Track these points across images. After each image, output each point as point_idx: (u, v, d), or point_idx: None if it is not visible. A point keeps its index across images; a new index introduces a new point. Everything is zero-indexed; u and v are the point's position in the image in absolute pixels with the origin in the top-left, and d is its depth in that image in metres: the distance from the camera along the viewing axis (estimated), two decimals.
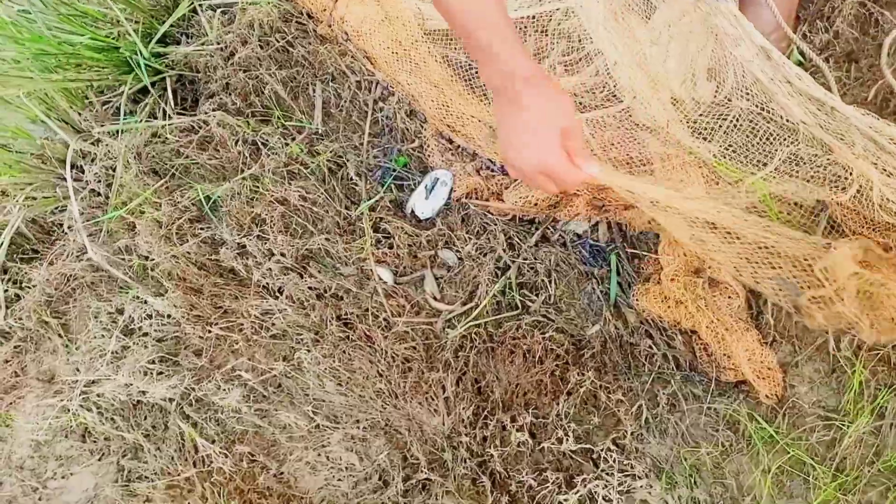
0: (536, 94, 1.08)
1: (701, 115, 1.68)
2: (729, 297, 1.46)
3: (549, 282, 1.59)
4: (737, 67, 1.66)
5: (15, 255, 2.01)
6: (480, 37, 1.09)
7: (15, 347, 1.91)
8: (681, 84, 1.69)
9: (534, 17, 1.79)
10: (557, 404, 1.49)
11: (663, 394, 1.44)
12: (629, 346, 1.51)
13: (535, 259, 1.61)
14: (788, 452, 1.37)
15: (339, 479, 1.60)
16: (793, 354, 1.44)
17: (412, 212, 1.73)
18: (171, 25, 2.06)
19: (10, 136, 2.03)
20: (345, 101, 1.87)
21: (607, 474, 1.42)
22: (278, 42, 1.95)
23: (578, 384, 1.49)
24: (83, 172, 1.98)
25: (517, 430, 1.48)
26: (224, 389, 1.68)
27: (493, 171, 1.72)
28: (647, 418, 1.45)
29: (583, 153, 1.09)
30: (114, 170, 1.94)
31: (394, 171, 1.77)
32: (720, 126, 1.62)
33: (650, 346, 1.49)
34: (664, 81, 1.66)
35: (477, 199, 1.71)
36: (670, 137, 1.58)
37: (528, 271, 1.62)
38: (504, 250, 1.64)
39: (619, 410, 1.47)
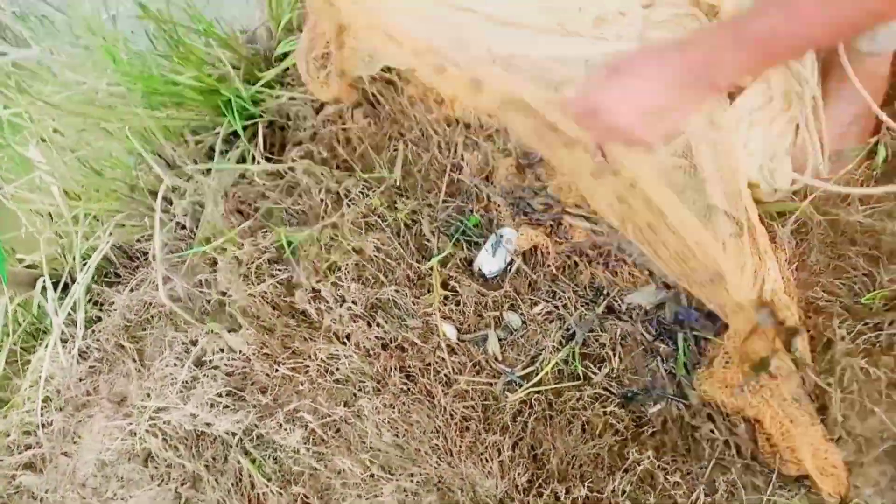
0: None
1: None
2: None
3: (614, 355, 1.60)
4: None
5: (99, 279, 2.13)
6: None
7: (90, 367, 2.00)
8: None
9: None
10: (613, 480, 1.48)
11: (722, 480, 1.43)
12: (690, 429, 1.50)
13: (602, 331, 1.63)
14: None
15: None
16: (858, 454, 1.41)
17: (480, 270, 1.77)
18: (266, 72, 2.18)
19: (109, 165, 2.16)
20: (425, 161, 1.94)
21: None
22: (367, 99, 2.04)
23: (636, 462, 1.48)
24: (171, 205, 2.09)
25: (571, 503, 1.48)
26: (285, 429, 1.72)
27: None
28: None
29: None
30: (201, 206, 2.04)
31: (464, 228, 1.82)
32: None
33: (712, 431, 1.48)
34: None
35: (538, 253, 1.75)
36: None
37: (592, 342, 1.64)
38: (574, 320, 1.66)
39: (675, 493, 1.45)
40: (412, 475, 1.63)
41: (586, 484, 1.50)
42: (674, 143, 1.81)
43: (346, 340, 1.76)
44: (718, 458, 1.46)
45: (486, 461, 1.59)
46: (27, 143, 2.28)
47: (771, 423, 1.43)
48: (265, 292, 1.84)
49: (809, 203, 1.61)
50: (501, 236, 1.78)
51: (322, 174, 1.95)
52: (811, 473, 1.39)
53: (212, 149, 2.12)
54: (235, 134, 2.14)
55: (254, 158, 2.06)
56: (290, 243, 1.90)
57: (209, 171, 2.10)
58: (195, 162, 2.10)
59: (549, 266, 1.76)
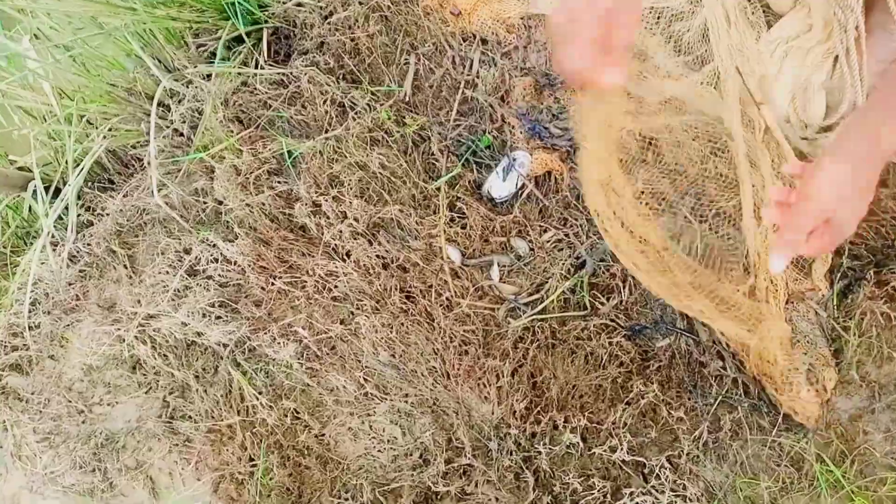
0: None
1: (806, 137, 1.61)
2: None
3: (624, 286, 1.54)
4: (855, 92, 1.58)
5: (92, 183, 2.05)
6: None
7: (80, 271, 1.94)
8: (789, 102, 1.62)
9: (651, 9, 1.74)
10: (615, 412, 1.44)
11: (728, 419, 1.38)
12: (698, 365, 1.45)
13: (613, 260, 1.56)
14: (853, 500, 1.30)
15: (380, 451, 1.59)
16: (871, 399, 1.36)
17: (489, 194, 1.69)
18: None
19: (106, 66, 2.06)
20: (437, 76, 1.85)
21: (657, 491, 1.37)
22: (380, 8, 1.93)
23: (640, 395, 1.44)
24: (169, 111, 2.00)
25: (569, 432, 1.44)
26: (279, 343, 1.67)
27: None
28: (706, 441, 1.40)
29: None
30: (200, 112, 1.95)
31: (475, 149, 1.73)
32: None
33: (721, 368, 1.43)
34: (774, 98, 1.59)
35: (552, 179, 1.68)
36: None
37: (602, 272, 1.57)
38: (585, 249, 1.59)
39: (678, 428, 1.41)
40: (407, 396, 1.59)
41: (586, 414, 1.45)
42: (703, 70, 1.72)
43: (345, 258, 1.69)
44: (725, 396, 1.41)
45: (484, 386, 1.54)
46: (20, 37, 2.17)
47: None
48: (263, 204, 1.77)
49: None
50: (514, 159, 1.70)
51: (328, 84, 1.85)
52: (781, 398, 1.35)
53: (213, 54, 2.02)
54: (239, 40, 2.03)
55: (257, 64, 1.96)
56: (290, 154, 1.81)
57: (210, 76, 2.00)
58: (195, 67, 2.00)
59: (562, 193, 1.68)
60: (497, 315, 1.59)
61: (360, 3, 1.95)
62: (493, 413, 1.52)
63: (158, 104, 1.98)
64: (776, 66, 1.63)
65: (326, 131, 1.81)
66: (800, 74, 1.61)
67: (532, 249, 1.66)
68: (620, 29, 0.89)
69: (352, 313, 1.66)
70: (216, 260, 1.76)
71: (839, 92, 1.59)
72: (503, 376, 1.52)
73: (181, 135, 2.00)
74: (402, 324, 1.61)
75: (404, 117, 1.78)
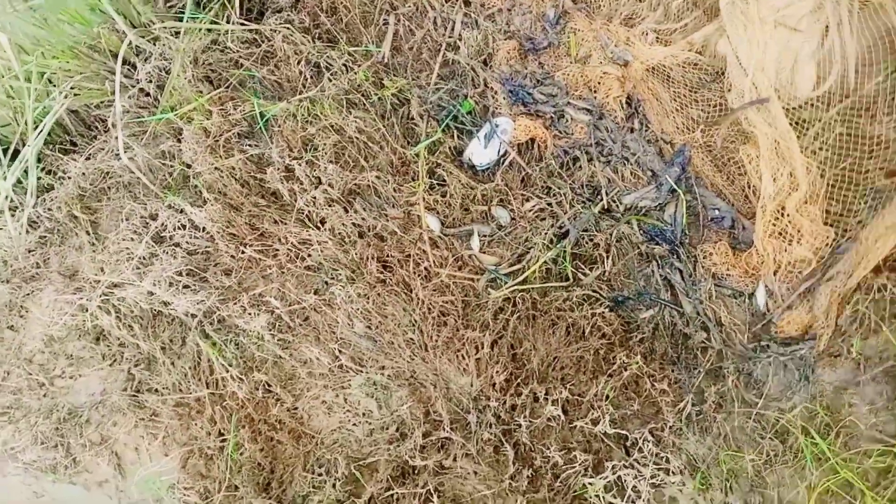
0: None
1: (794, 107, 1.57)
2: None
3: (607, 257, 1.50)
4: (845, 64, 1.54)
5: (53, 146, 1.95)
6: None
7: (41, 238, 1.85)
8: (777, 73, 1.58)
9: None
10: (596, 384, 1.40)
11: (713, 391, 1.36)
12: (683, 337, 1.42)
13: (596, 230, 1.52)
14: (838, 472, 1.28)
15: (355, 424, 1.54)
16: (856, 372, 1.35)
17: (470, 161, 1.64)
18: None
19: (68, 19, 1.95)
20: (417, 38, 1.78)
21: (640, 464, 1.34)
22: None
23: (622, 367, 1.40)
24: (135, 70, 1.90)
25: (550, 404, 1.40)
26: (249, 314, 1.61)
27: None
28: (690, 414, 1.37)
29: None
30: (167, 71, 1.85)
31: (456, 114, 1.67)
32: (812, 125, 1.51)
33: (705, 340, 1.40)
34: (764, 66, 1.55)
35: (535, 146, 1.62)
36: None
37: (585, 243, 1.53)
38: (568, 218, 1.55)
39: (661, 401, 1.38)
40: (383, 368, 1.54)
41: (567, 386, 1.42)
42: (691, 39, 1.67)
43: (319, 225, 1.63)
44: (711, 368, 1.38)
45: (463, 358, 1.49)
46: None
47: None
48: (233, 168, 1.69)
49: (836, 113, 1.49)
50: (496, 126, 1.64)
51: (302, 43, 1.77)
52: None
53: (183, 11, 1.92)
54: None
55: (229, 21, 1.87)
56: (262, 116, 1.73)
57: (179, 33, 1.90)
58: (163, 22, 1.90)
59: (546, 161, 1.63)
60: (477, 286, 1.54)
61: None
62: (472, 385, 1.48)
63: (124, 62, 1.89)
64: (766, 35, 1.59)
65: (300, 93, 1.73)
66: (789, 45, 1.57)
67: (514, 219, 1.61)
68: None
69: (326, 283, 1.60)
70: (184, 226, 1.69)
71: (829, 63, 1.56)
72: (483, 348, 1.48)
73: (147, 95, 1.90)
74: (379, 294, 1.56)
75: (382, 80, 1.71)
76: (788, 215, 1.38)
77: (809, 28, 1.56)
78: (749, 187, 1.51)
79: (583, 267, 1.51)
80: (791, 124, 1.47)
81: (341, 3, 1.82)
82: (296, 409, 1.58)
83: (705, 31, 1.62)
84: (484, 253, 1.59)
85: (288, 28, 1.79)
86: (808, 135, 1.48)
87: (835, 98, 1.52)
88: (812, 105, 1.53)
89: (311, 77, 1.76)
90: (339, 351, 1.56)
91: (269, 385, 1.59)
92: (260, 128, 1.72)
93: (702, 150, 1.57)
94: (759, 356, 1.38)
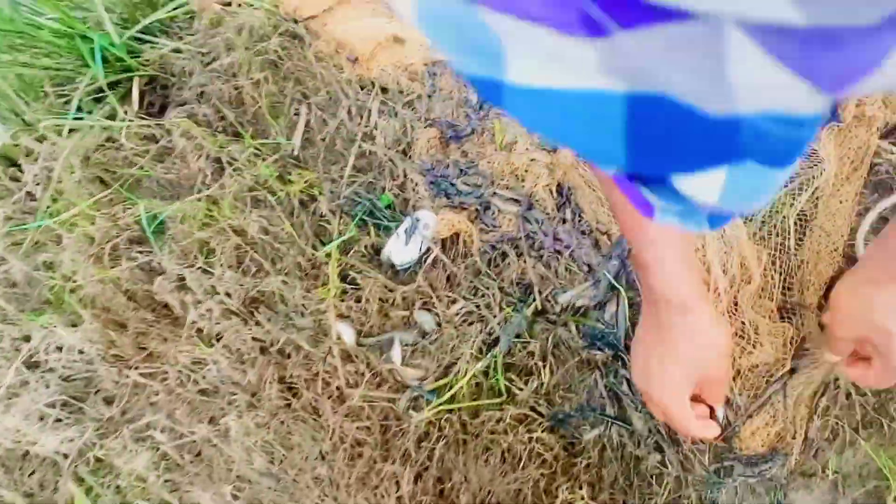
0: (688, 330, 0.93)
1: None
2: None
3: (544, 366, 1.30)
4: None
5: None
6: (640, 242, 0.92)
7: None
8: None
9: None
10: None
11: None
12: (634, 460, 1.21)
13: (530, 336, 1.33)
14: None
15: None
16: (834, 494, 1.14)
17: (389, 260, 1.45)
18: (154, 22, 1.83)
19: None
20: (331, 128, 1.62)
21: None
22: (268, 53, 1.71)
23: (566, 501, 1.18)
24: (22, 172, 1.71)
25: None
26: (131, 451, 1.36)
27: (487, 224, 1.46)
28: None
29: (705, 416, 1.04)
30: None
31: (373, 209, 1.50)
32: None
33: (659, 464, 1.19)
34: None
35: (460, 242, 1.44)
36: None
37: (518, 351, 1.33)
38: (498, 322, 1.36)
39: None
40: None
41: None
42: None
43: (214, 342, 1.41)
44: (668, 499, 1.17)
45: (382, 497, 1.26)
46: None
47: None
48: (119, 279, 1.48)
49: (784, 194, 1.35)
50: (417, 220, 1.47)
51: (204, 137, 1.60)
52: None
53: (73, 105, 1.75)
54: (111, 88, 1.77)
55: (125, 115, 1.70)
56: (155, 218, 1.54)
57: (73, 130, 1.72)
58: (47, 119, 1.72)
59: (472, 257, 1.45)
60: (397, 407, 1.33)
61: (246, 49, 1.72)
62: None
63: (12, 164, 1.70)
64: None
65: (199, 191, 1.54)
66: None
67: (439, 324, 1.41)
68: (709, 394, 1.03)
69: (222, 410, 1.37)
70: (59, 349, 1.45)
71: None
72: (404, 484, 1.25)
73: (34, 199, 1.70)
74: (283, 422, 1.33)
75: (290, 174, 1.54)
76: (744, 312, 1.21)
77: None
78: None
79: (517, 380, 1.31)
80: None
81: (248, 93, 1.66)
82: None
83: None
84: (407, 366, 1.38)
85: (188, 121, 1.62)
86: (755, 219, 1.33)
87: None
88: None
89: (213, 174, 1.58)
90: (235, 493, 1.31)
91: None
92: (148, 233, 1.52)
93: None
94: (723, 480, 1.17)
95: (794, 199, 1.31)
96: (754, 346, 1.17)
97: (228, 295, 1.42)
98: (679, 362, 0.95)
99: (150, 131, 1.68)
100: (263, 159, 1.56)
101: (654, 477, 1.19)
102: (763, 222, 1.30)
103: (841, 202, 1.31)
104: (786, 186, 1.35)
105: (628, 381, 1.27)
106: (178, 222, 1.51)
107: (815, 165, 1.32)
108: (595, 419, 1.25)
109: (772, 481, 1.15)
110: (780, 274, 1.26)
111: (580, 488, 1.18)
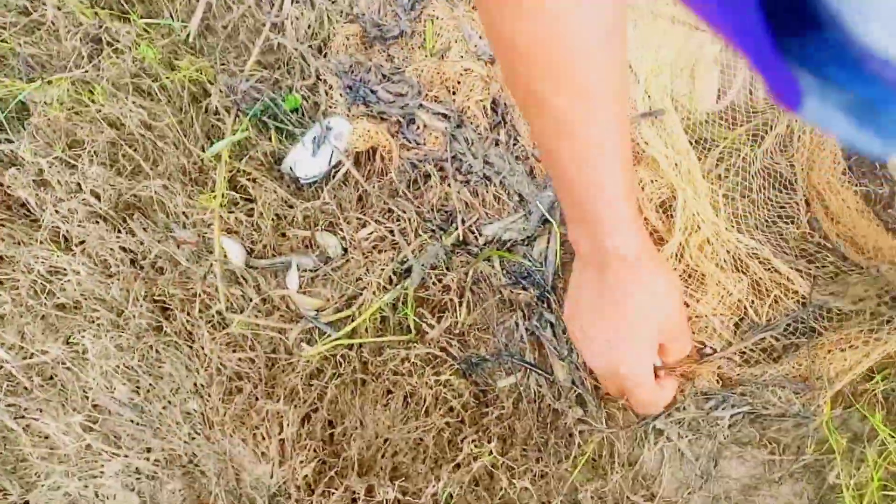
0: (639, 284, 0.79)
1: (700, 122, 1.28)
2: None
3: (460, 303, 1.14)
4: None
5: None
6: (576, 178, 0.75)
7: None
8: (671, 79, 1.29)
9: None
10: (437, 479, 1.03)
11: (588, 492, 1.01)
12: (553, 414, 1.07)
13: (448, 269, 1.16)
14: None
15: None
16: (769, 466, 1.04)
17: (292, 172, 1.25)
18: None
19: None
20: (235, 15, 1.39)
21: None
22: None
23: (472, 455, 1.04)
24: None
25: None
26: None
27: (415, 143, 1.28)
28: None
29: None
30: None
31: (276, 112, 1.29)
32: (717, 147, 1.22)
33: (581, 419, 1.05)
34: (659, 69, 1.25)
35: (377, 157, 1.26)
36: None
37: (433, 284, 1.17)
38: (413, 251, 1.19)
39: (520, 503, 1.02)
40: (150, 450, 1.11)
41: (397, 483, 1.03)
42: None
43: (75, 248, 1.19)
44: (590, 459, 1.04)
45: (262, 438, 1.09)
46: None
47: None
48: None
49: (745, 132, 1.21)
50: (329, 129, 1.27)
51: (82, 12, 1.34)
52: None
53: None
54: None
55: None
56: (15, 99, 1.29)
57: None
58: None
59: (389, 176, 1.27)
60: (287, 339, 1.15)
61: None
62: (271, 477, 1.07)
63: None
64: (657, 38, 1.30)
65: (71, 72, 1.30)
66: (686, 48, 1.29)
67: (345, 249, 1.23)
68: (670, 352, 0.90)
69: (81, 329, 1.16)
70: None
71: (733, 70, 1.28)
72: (289, 425, 1.08)
73: None
74: (151, 347, 1.13)
75: (180, 61, 1.31)
76: (690, 256, 1.07)
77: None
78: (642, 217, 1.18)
79: (428, 316, 1.15)
80: (690, 143, 1.17)
81: None
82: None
83: None
84: (305, 294, 1.20)
85: None
86: (710, 157, 1.19)
87: (741, 115, 1.24)
88: (715, 122, 1.25)
89: (90, 55, 1.33)
90: (89, 425, 1.11)
91: None
92: (2, 117, 1.27)
93: None
94: (649, 439, 1.04)
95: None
96: (698, 293, 1.04)
97: (97, 196, 1.20)
98: (642, 329, 0.83)
99: (24, 3, 1.41)
100: (151, 42, 1.32)
101: (572, 434, 1.05)
102: (719, 160, 1.16)
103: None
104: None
105: (552, 325, 1.13)
106: (42, 106, 1.26)
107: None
108: (512, 366, 1.10)
109: (702, 449, 1.04)
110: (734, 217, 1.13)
111: (489, 442, 1.03)
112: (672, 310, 0.83)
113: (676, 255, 1.08)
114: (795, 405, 0.97)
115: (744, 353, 1.03)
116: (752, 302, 1.04)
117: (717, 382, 1.01)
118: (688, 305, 1.05)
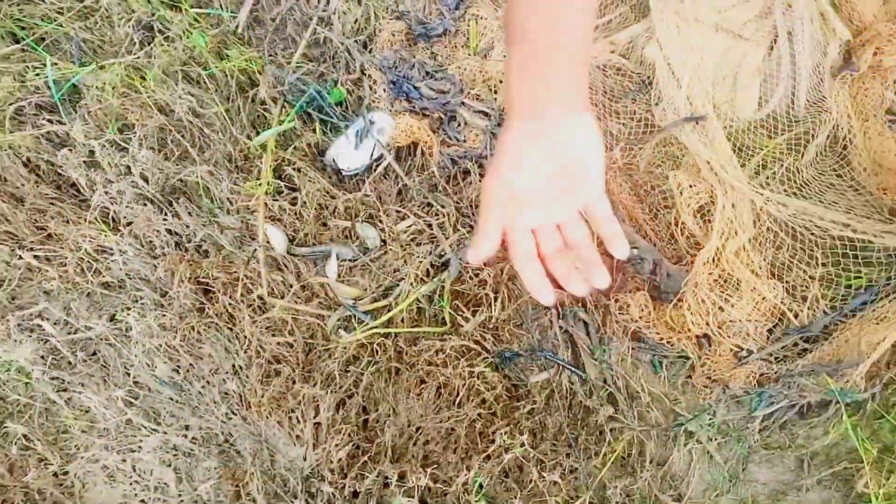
0: (577, 137, 0.70)
1: (739, 129, 1.29)
2: None
3: (496, 299, 1.16)
4: (791, 81, 1.28)
5: None
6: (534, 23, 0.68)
7: None
8: (714, 86, 1.30)
9: None
10: (468, 469, 1.05)
11: (617, 489, 1.02)
12: (583, 411, 1.09)
13: (484, 265, 1.18)
14: None
15: (142, 501, 1.13)
16: (798, 472, 1.05)
17: (334, 163, 1.28)
18: None
19: None
20: (283, 8, 1.42)
21: None
22: None
23: (504, 447, 1.05)
24: None
25: (403, 495, 1.03)
26: (15, 340, 1.18)
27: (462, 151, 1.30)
28: None
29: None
30: None
31: (321, 104, 1.31)
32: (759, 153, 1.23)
33: (612, 416, 1.07)
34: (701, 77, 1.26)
35: (417, 152, 1.28)
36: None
37: (470, 278, 1.19)
38: (451, 245, 1.21)
39: (550, 496, 1.04)
40: (188, 428, 1.14)
41: (429, 470, 1.05)
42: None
43: (123, 229, 1.22)
44: (619, 457, 1.05)
45: (297, 422, 1.11)
46: None
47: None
48: (21, 146, 1.27)
49: (784, 142, 1.22)
50: (372, 123, 1.29)
51: (136, 0, 1.38)
52: None
53: None
54: None
55: None
56: (68, 83, 1.32)
57: None
58: None
59: (429, 171, 1.29)
60: (326, 325, 1.17)
61: None
62: (305, 460, 1.10)
63: None
64: (701, 43, 1.31)
65: (123, 56, 1.33)
66: (729, 57, 1.30)
67: (384, 241, 1.25)
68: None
69: (126, 307, 1.19)
70: None
71: (777, 78, 1.29)
72: (324, 410, 1.10)
73: None
74: (193, 327, 1.16)
75: (229, 51, 1.34)
76: (726, 261, 1.08)
77: (756, 35, 1.29)
78: (676, 225, 1.20)
79: (464, 310, 1.17)
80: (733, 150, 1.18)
81: None
82: (66, 474, 1.16)
83: (632, 30, 1.33)
84: (343, 283, 1.23)
85: None
86: (751, 164, 1.20)
87: (782, 124, 1.25)
88: (756, 129, 1.26)
89: (142, 42, 1.37)
90: (129, 400, 1.15)
91: (29, 439, 1.16)
92: (57, 98, 1.31)
93: (620, 173, 1.27)
94: (679, 441, 1.06)
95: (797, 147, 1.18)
96: (733, 298, 1.05)
97: (145, 179, 1.23)
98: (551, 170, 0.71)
99: None
100: (203, 31, 1.35)
101: (602, 432, 1.07)
102: (759, 169, 1.17)
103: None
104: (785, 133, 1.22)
105: (587, 325, 1.14)
106: (94, 90, 1.30)
107: (822, 113, 1.19)
108: (545, 362, 1.12)
109: (731, 452, 1.05)
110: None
111: (520, 434, 1.05)
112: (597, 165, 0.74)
113: (713, 260, 1.09)
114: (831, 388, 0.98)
115: (774, 354, 1.04)
116: (788, 305, 1.05)
117: (754, 386, 1.02)
118: (722, 310, 1.07)
